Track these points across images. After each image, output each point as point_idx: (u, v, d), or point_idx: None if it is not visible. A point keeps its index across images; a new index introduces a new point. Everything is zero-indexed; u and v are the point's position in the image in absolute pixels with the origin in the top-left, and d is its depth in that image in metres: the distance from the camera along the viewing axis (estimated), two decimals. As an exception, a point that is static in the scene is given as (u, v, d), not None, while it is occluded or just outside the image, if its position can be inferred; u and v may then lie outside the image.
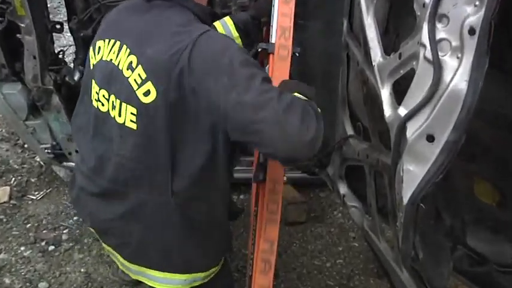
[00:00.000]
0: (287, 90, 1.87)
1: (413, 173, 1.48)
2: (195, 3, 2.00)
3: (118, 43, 1.97)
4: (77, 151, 3.59)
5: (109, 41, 2.01)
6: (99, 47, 2.06)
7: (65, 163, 3.75)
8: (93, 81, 2.08)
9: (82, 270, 3.37)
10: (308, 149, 1.75)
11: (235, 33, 2.50)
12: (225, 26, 2.50)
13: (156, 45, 1.86)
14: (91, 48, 2.14)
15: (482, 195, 2.00)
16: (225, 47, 1.82)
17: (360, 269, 3.47)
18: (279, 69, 2.11)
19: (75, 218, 3.79)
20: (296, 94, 1.87)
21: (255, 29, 2.59)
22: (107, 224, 2.18)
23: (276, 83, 1.96)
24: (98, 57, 2.06)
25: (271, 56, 2.12)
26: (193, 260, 2.17)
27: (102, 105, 2.04)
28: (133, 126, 1.94)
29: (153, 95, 1.86)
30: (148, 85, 1.86)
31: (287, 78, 2.10)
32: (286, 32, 2.04)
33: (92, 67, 2.11)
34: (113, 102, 1.98)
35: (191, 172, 1.97)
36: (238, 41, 2.50)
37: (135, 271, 2.22)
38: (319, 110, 1.87)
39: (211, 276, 2.25)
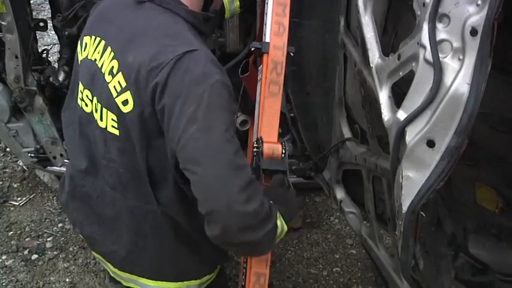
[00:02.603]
0: (269, 195, 1.88)
1: (413, 180, 1.47)
2: (188, 10, 1.97)
3: (103, 43, 1.96)
4: (62, 155, 3.60)
5: (95, 39, 2.01)
6: (86, 43, 2.06)
7: (49, 167, 3.73)
8: (79, 78, 2.09)
9: (67, 280, 3.36)
10: (235, 218, 1.69)
11: None
12: None
13: (139, 53, 1.83)
14: (79, 43, 2.14)
15: (484, 201, 2.00)
16: (206, 75, 1.78)
17: (358, 277, 3.48)
18: (270, 106, 2.07)
19: (59, 225, 3.78)
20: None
21: None
22: (96, 230, 2.18)
23: (266, 119, 1.94)
24: (84, 54, 2.06)
25: (265, 55, 2.11)
26: (185, 267, 2.17)
27: (86, 105, 2.04)
28: (116, 132, 1.94)
29: (130, 105, 1.84)
30: (127, 94, 1.84)
31: (277, 116, 2.07)
32: (278, 66, 2.00)
33: (79, 63, 2.12)
34: (95, 104, 1.98)
35: (169, 184, 1.96)
36: (237, 3, 2.45)
37: (127, 279, 2.22)
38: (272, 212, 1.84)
39: (206, 284, 2.25)
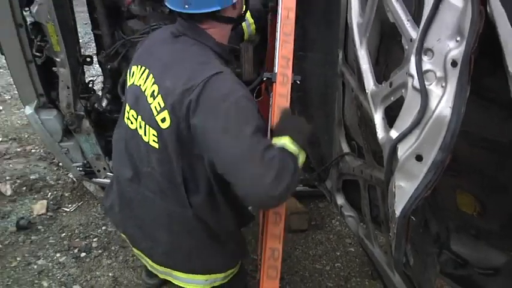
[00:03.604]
0: (281, 131, 1.89)
1: (404, 189, 1.46)
2: (216, 42, 2.00)
3: (147, 71, 2.00)
4: (105, 168, 3.61)
5: (140, 67, 2.04)
6: (133, 72, 2.09)
7: (94, 179, 3.75)
8: (126, 101, 2.12)
9: (110, 274, 3.35)
10: (274, 201, 1.79)
11: (251, 20, 2.52)
12: None
13: (175, 79, 1.87)
14: (128, 71, 2.16)
15: (464, 206, 1.98)
16: (231, 92, 1.81)
17: (356, 271, 3.45)
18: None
19: (103, 227, 3.79)
20: (287, 140, 1.87)
21: (265, 16, 2.60)
22: (138, 230, 2.19)
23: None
24: (132, 81, 2.09)
25: (274, 84, 2.11)
26: (212, 262, 2.17)
27: (131, 123, 2.08)
28: (156, 145, 1.97)
29: (167, 122, 1.88)
30: (165, 113, 1.87)
31: None
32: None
33: (127, 88, 2.14)
34: (140, 122, 2.02)
35: (201, 190, 1.97)
36: (253, 26, 2.54)
37: (163, 272, 2.22)
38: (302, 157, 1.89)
39: (229, 277, 2.25)
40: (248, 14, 2.49)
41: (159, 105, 1.90)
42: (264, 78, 2.18)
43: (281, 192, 1.72)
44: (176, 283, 2.21)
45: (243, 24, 2.38)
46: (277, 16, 2.15)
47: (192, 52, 1.95)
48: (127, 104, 2.11)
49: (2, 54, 3.19)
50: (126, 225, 2.26)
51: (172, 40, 2.01)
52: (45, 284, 3.27)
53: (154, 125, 1.93)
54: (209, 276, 2.18)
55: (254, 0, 2.70)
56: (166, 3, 1.98)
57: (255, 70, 3.33)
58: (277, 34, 2.06)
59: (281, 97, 1.98)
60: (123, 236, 2.33)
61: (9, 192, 4.14)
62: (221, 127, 1.76)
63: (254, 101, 1.90)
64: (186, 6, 1.89)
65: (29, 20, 3.01)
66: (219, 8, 1.90)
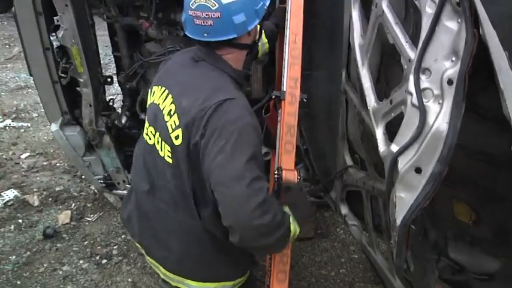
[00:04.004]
0: (287, 200, 1.90)
1: (404, 200, 1.46)
2: (232, 68, 2.01)
3: (166, 91, 2.01)
4: (124, 181, 3.62)
5: (161, 88, 2.05)
6: (154, 91, 2.10)
7: (114, 191, 3.75)
8: (146, 118, 2.14)
9: (129, 280, 3.35)
10: (252, 232, 1.74)
11: (265, 40, 2.53)
12: None
13: (191, 100, 1.88)
14: (149, 90, 2.17)
15: (460, 215, 1.97)
16: (239, 118, 1.81)
17: (360, 277, 3.42)
18: (287, 142, 2.02)
19: (123, 236, 3.78)
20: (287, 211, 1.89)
21: (277, 35, 2.61)
22: (153, 240, 2.18)
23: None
24: (152, 99, 2.10)
25: (282, 101, 2.12)
26: (221, 271, 2.15)
27: (150, 139, 2.09)
28: (170, 160, 1.97)
29: (180, 139, 1.89)
30: (179, 131, 1.89)
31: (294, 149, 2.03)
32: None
33: (148, 106, 2.16)
34: (157, 138, 2.03)
35: (209, 203, 1.97)
36: (267, 46, 2.55)
37: (176, 280, 2.20)
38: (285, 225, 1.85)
39: (238, 285, 2.22)
40: (263, 35, 2.50)
41: (175, 123, 1.91)
42: (273, 96, 2.19)
43: (262, 224, 1.71)
44: (188, 291, 2.20)
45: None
46: (285, 38, 2.16)
47: (209, 77, 1.96)
48: (147, 121, 2.13)
49: (31, 75, 3.23)
50: (142, 236, 2.25)
51: (192, 64, 2.03)
52: (69, 288, 3.28)
53: (169, 142, 1.95)
54: (218, 284, 2.16)
55: (267, 21, 2.74)
56: (187, 33, 1.99)
57: (264, 89, 3.35)
58: (285, 56, 2.07)
59: (289, 115, 1.98)
60: (138, 245, 2.32)
61: (36, 203, 4.16)
62: (220, 147, 1.76)
63: (259, 129, 1.90)
64: (205, 34, 1.90)
65: (55, 44, 3.04)
66: (235, 36, 1.92)
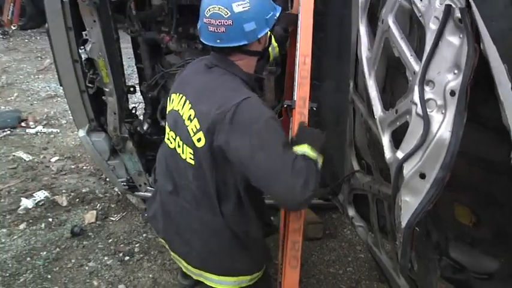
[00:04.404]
0: (301, 140, 1.90)
1: (409, 203, 1.45)
2: (244, 72, 2.03)
3: (184, 98, 2.02)
4: (145, 183, 3.64)
5: (179, 95, 2.07)
6: (173, 99, 2.12)
7: (136, 193, 3.77)
8: (167, 124, 2.15)
9: (150, 275, 3.36)
10: (304, 203, 1.82)
11: (275, 44, 2.52)
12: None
13: (209, 104, 1.89)
14: (168, 98, 2.19)
15: (461, 217, 1.95)
16: (260, 114, 1.84)
17: (366, 275, 3.40)
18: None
19: (144, 235, 3.80)
20: (307, 147, 1.88)
21: (287, 40, 2.61)
22: (176, 237, 2.20)
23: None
24: (171, 106, 2.12)
25: (293, 110, 2.12)
26: (240, 266, 2.17)
27: (171, 143, 2.10)
28: (192, 162, 1.99)
29: (202, 142, 1.90)
30: (200, 134, 1.90)
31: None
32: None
33: (168, 113, 2.17)
34: (178, 142, 2.04)
35: (232, 201, 1.98)
36: (277, 49, 2.54)
37: (197, 273, 2.22)
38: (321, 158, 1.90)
39: (255, 279, 2.23)
40: (273, 40, 2.51)
41: (195, 127, 1.92)
42: (285, 105, 2.20)
43: (309, 195, 1.76)
44: (208, 284, 2.21)
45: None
46: (295, 59, 2.15)
47: (223, 80, 1.98)
48: (167, 126, 2.14)
49: (61, 85, 3.27)
50: (166, 232, 2.27)
51: (206, 71, 2.04)
52: (95, 283, 3.29)
53: (191, 145, 1.96)
54: (237, 278, 2.18)
55: (276, 26, 2.75)
56: (201, 39, 2.01)
57: (276, 98, 3.35)
58: (296, 76, 2.07)
59: None
60: (163, 241, 2.34)
61: (65, 204, 4.19)
62: (254, 146, 1.78)
63: (278, 119, 1.93)
64: (218, 41, 1.92)
65: (83, 56, 3.07)
66: (246, 43, 1.93)
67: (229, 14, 1.85)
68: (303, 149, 1.86)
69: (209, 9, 1.88)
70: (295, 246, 2.00)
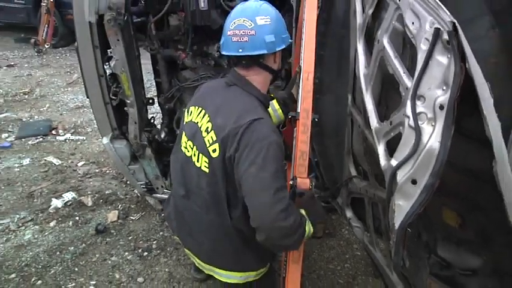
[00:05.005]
0: (301, 204, 1.90)
1: (402, 207, 1.45)
2: (259, 92, 2.04)
3: (203, 111, 2.04)
4: (162, 186, 3.65)
5: (198, 108, 2.08)
6: (191, 111, 2.13)
7: (154, 195, 3.78)
8: (184, 133, 2.15)
9: (166, 270, 3.36)
10: (276, 231, 1.75)
11: (277, 106, 2.51)
12: (271, 104, 2.46)
13: (225, 118, 1.91)
14: (185, 110, 2.20)
15: (448, 220, 1.94)
16: (267, 136, 1.83)
17: (362, 271, 3.38)
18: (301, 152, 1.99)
19: (161, 233, 3.80)
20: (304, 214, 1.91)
21: (290, 103, 2.62)
22: (188, 236, 2.21)
23: (299, 162, 1.92)
24: (189, 118, 2.12)
25: (298, 121, 2.12)
26: (247, 262, 2.17)
27: (188, 151, 2.10)
28: (206, 170, 1.99)
29: (217, 152, 1.90)
30: (216, 145, 1.90)
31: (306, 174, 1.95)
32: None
33: (184, 123, 2.18)
34: (194, 151, 2.04)
35: (240, 206, 1.98)
36: (279, 111, 2.50)
37: (208, 269, 2.22)
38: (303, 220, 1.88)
39: (261, 275, 2.23)
40: (275, 101, 2.49)
41: (212, 138, 1.93)
42: (290, 117, 2.20)
43: (286, 226, 1.72)
44: (218, 278, 2.22)
45: (270, 110, 2.38)
46: (299, 75, 2.14)
47: (240, 99, 1.99)
48: (185, 136, 2.13)
49: (87, 97, 3.29)
50: (180, 231, 2.28)
51: (225, 88, 2.05)
52: (117, 276, 3.30)
53: (207, 154, 1.96)
54: (244, 273, 2.18)
55: (280, 90, 2.81)
56: (223, 52, 2.02)
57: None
58: (300, 91, 2.08)
59: (303, 143, 1.97)
60: (178, 238, 2.35)
61: (90, 204, 4.21)
62: (251, 159, 1.78)
63: (283, 147, 1.91)
64: (240, 50, 1.94)
65: (108, 71, 3.11)
66: (265, 52, 1.94)
67: (253, 25, 1.90)
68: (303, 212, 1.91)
69: (234, 22, 1.92)
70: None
